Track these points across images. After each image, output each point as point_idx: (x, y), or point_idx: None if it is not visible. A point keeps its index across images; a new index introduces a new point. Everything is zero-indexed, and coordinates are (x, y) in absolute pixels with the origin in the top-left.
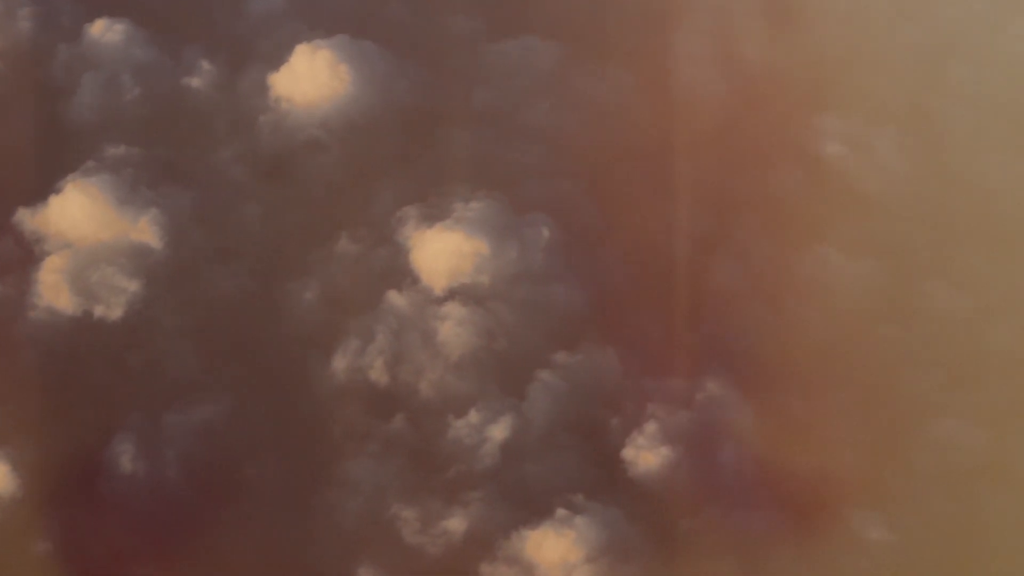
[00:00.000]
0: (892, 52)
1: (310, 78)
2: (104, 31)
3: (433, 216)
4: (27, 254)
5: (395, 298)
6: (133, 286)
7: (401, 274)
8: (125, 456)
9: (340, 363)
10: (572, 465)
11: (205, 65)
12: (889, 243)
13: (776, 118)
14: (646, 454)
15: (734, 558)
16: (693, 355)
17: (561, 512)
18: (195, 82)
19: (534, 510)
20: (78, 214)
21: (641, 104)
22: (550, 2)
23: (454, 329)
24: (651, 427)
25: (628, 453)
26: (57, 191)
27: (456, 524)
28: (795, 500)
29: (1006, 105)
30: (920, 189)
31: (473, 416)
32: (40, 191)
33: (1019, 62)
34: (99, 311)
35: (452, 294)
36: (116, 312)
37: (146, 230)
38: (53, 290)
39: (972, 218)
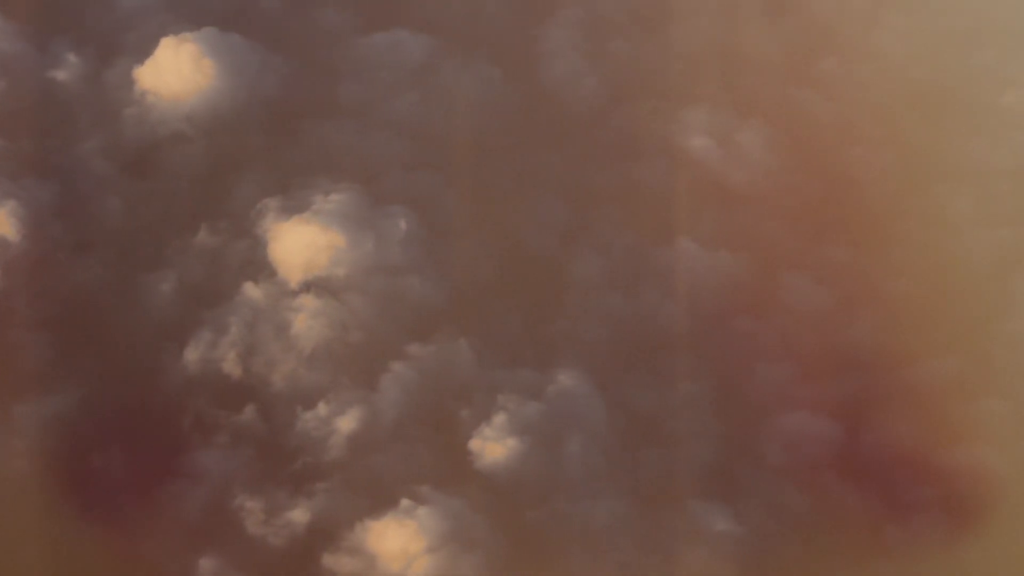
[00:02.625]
0: (763, 46)
1: (174, 71)
2: None
3: (292, 208)
4: None
5: (251, 290)
6: None
7: (258, 266)
8: None
9: (193, 355)
10: (420, 456)
11: (72, 58)
12: (750, 236)
13: (642, 111)
14: (493, 445)
15: (579, 548)
16: (547, 347)
17: (405, 503)
18: (61, 75)
19: (379, 501)
20: None
21: (508, 97)
22: None
23: (308, 321)
24: (499, 418)
25: (475, 444)
26: None
27: (300, 515)
28: (642, 491)
29: (875, 99)
30: (784, 182)
31: (322, 408)
32: None
33: (889, 56)
34: None
35: (308, 286)
36: None
37: (4, 222)
38: None
39: (835, 212)
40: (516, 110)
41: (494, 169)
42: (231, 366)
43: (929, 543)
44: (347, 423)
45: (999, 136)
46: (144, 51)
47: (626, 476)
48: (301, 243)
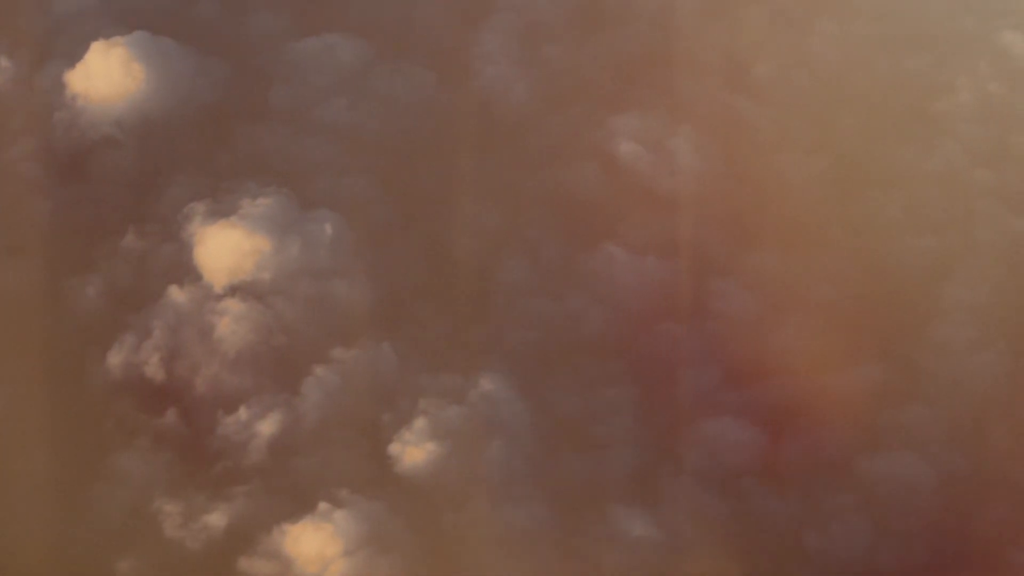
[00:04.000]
0: (697, 51)
1: (104, 75)
2: None
3: (219, 212)
4: None
5: (176, 294)
6: None
7: (184, 270)
8: None
9: (116, 358)
10: (340, 460)
11: (3, 62)
12: (678, 242)
13: (574, 117)
14: (412, 449)
15: (497, 552)
16: (472, 351)
17: (323, 506)
18: None
19: (297, 504)
20: None
21: (440, 102)
22: (355, 0)
23: (231, 325)
24: (420, 423)
25: (395, 448)
26: None
27: (217, 519)
28: (562, 495)
29: (808, 104)
30: (713, 188)
31: (243, 412)
32: None
33: (824, 61)
34: None
35: (232, 290)
36: None
37: None
38: None
39: (765, 218)
40: (448, 115)
41: (424, 173)
42: (154, 370)
43: (849, 549)
44: (268, 427)
45: (930, 143)
46: (75, 55)
47: (547, 480)
48: (227, 247)
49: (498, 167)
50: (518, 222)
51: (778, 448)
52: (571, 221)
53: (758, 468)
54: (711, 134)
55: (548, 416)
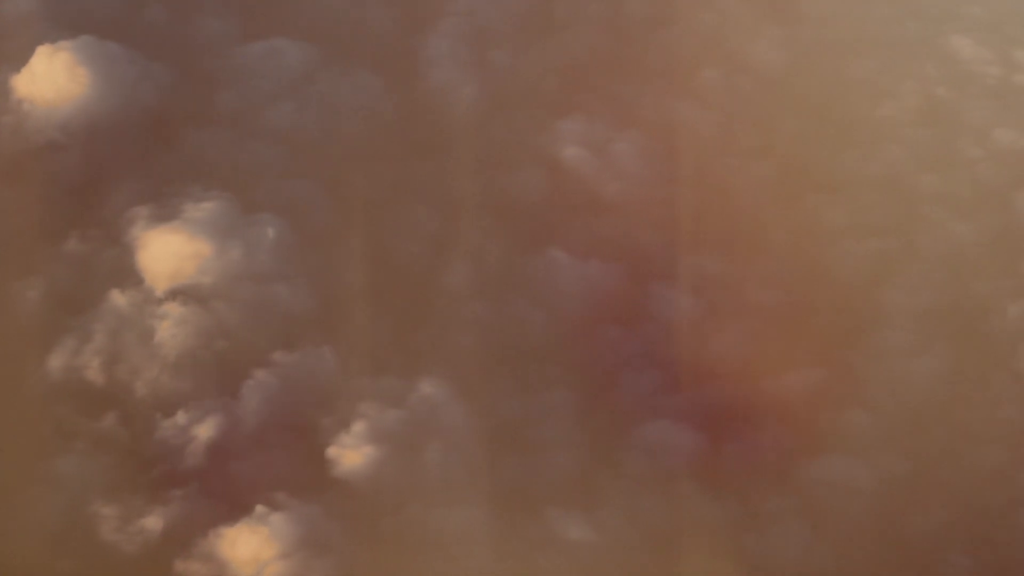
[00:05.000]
0: (644, 57)
1: (49, 80)
2: None
3: (162, 216)
4: None
5: (117, 298)
6: None
7: (126, 274)
8: None
9: (56, 362)
10: (278, 463)
11: None
12: (620, 246)
13: (519, 121)
14: (350, 453)
15: (433, 555)
16: (413, 355)
17: (260, 509)
18: None
19: (234, 508)
20: None
21: (387, 106)
22: (304, 5)
23: (171, 329)
24: (359, 426)
25: (332, 452)
26: None
27: (154, 522)
28: (500, 498)
29: (752, 109)
30: (656, 193)
31: (181, 416)
32: None
33: (771, 68)
34: None
35: (173, 294)
36: None
37: None
38: None
39: (707, 222)
40: (394, 119)
41: (368, 177)
42: (94, 374)
43: (787, 553)
44: (206, 431)
45: (873, 147)
46: (21, 59)
47: (485, 484)
48: (169, 251)
49: (443, 171)
50: (461, 226)
51: (717, 452)
52: (515, 225)
53: (697, 472)
54: (655, 139)
55: (487, 420)
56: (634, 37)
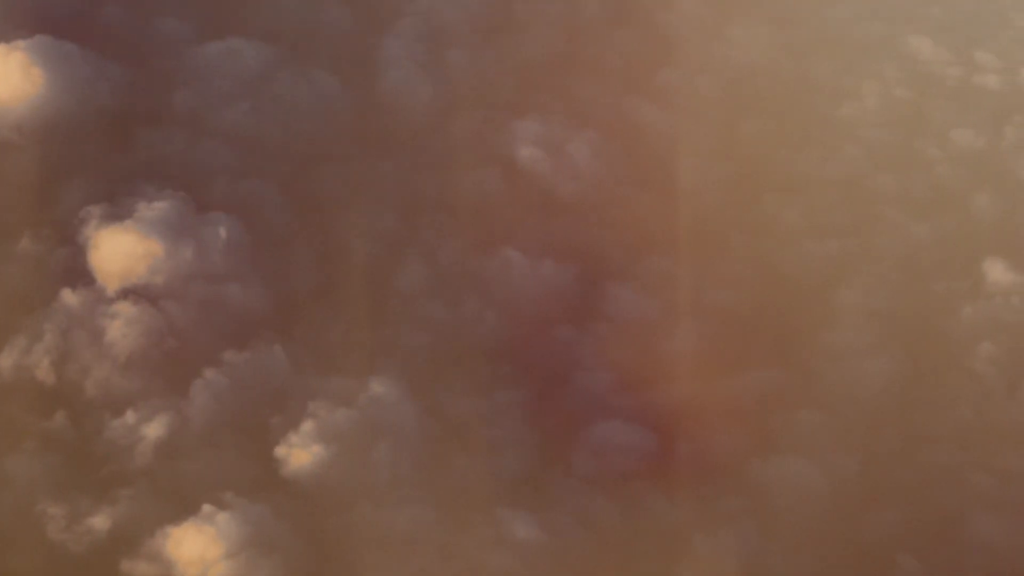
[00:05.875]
0: (603, 57)
1: (3, 80)
2: None
3: (115, 216)
4: None
5: (68, 297)
6: None
7: (78, 274)
8: None
9: (6, 361)
10: (226, 463)
11: None
12: (575, 246)
13: (476, 122)
14: (299, 452)
15: (380, 554)
16: (364, 355)
17: (207, 509)
18: None
19: (182, 507)
20: None
21: (344, 106)
22: (262, 5)
23: (122, 329)
24: (308, 425)
25: (281, 451)
26: None
27: (101, 522)
28: (449, 498)
29: (711, 110)
30: (612, 193)
31: (130, 416)
32: None
33: (731, 67)
34: None
35: (125, 294)
36: None
37: None
38: None
39: (663, 222)
40: (351, 119)
41: (324, 177)
42: (45, 373)
43: (738, 553)
44: (154, 430)
45: (832, 148)
46: None
47: (434, 483)
48: (121, 251)
49: (398, 171)
50: (416, 225)
51: (669, 452)
52: (469, 225)
53: (648, 472)
54: (612, 139)
55: (438, 419)
56: (593, 37)
